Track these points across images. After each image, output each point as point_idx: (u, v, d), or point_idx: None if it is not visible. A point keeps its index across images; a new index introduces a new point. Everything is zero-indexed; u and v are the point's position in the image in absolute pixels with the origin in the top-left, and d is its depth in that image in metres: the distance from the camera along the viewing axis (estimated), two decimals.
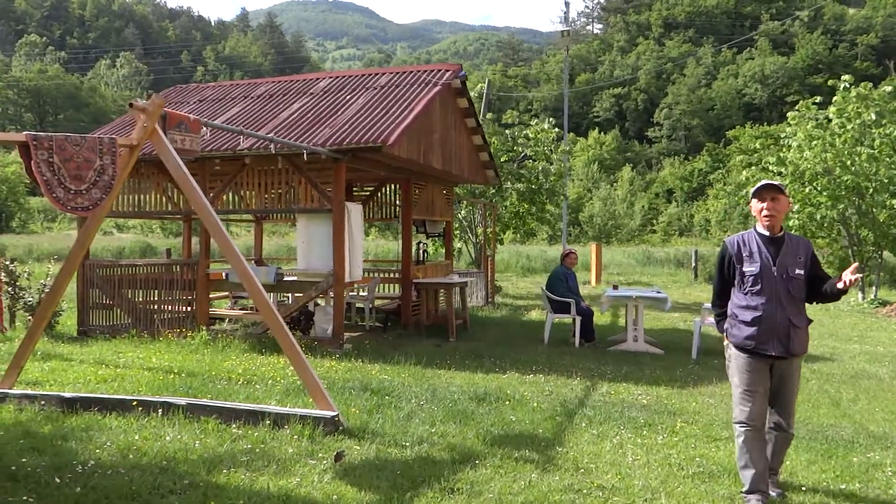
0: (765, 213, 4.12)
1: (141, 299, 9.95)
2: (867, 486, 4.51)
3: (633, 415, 6.05)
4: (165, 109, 5.89)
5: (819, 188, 15.59)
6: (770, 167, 17.02)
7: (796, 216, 16.06)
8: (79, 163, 5.37)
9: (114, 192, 5.65)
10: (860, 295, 16.71)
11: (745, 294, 4.13)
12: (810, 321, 4.23)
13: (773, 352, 4.05)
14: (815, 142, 15.70)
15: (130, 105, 5.77)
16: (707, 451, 5.14)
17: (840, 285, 3.99)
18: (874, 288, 16.81)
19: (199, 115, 10.62)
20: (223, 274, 10.36)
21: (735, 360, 4.21)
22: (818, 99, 17.58)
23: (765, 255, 4.09)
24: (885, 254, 16.76)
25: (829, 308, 15.73)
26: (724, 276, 4.30)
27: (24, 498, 3.80)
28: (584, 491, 4.29)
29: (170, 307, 9.88)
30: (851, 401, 6.91)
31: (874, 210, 15.32)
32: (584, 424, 5.75)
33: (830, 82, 17.00)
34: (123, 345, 8.94)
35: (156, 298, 9.95)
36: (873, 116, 15.28)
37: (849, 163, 15.09)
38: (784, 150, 16.98)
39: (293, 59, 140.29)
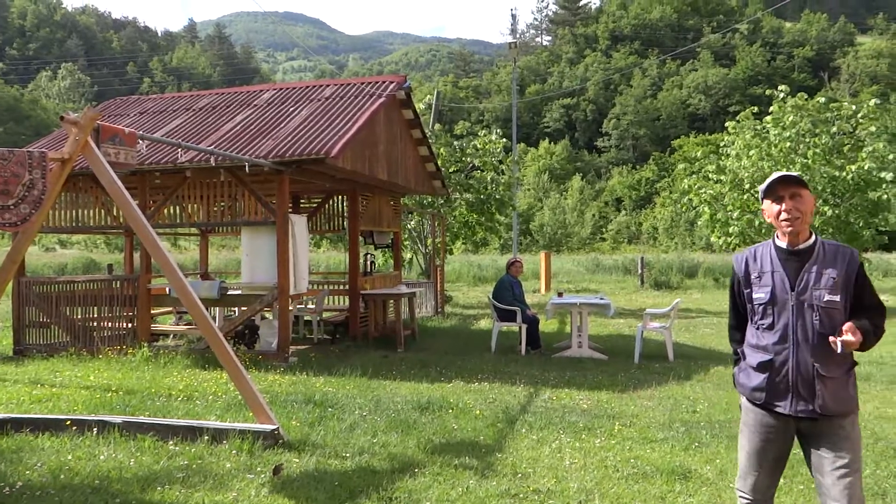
0: (784, 217, 2.96)
1: (80, 316, 9.70)
2: (791, 481, 4.68)
3: (573, 419, 6.16)
4: (99, 122, 5.81)
5: (756, 195, 16.10)
6: (710, 175, 17.52)
7: (736, 223, 16.55)
8: (6, 177, 5.25)
9: (44, 207, 5.54)
10: None
11: (757, 329, 3.05)
12: (853, 366, 3.01)
13: (789, 409, 2.93)
14: (752, 150, 16.23)
15: (62, 118, 5.67)
16: (642, 452, 5.27)
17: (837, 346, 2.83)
18: None
19: (140, 127, 10.46)
20: (166, 289, 10.21)
21: (744, 415, 3.15)
22: (756, 109, 18.19)
23: (779, 276, 2.97)
24: None
25: None
26: (737, 303, 3.22)
27: None
28: (521, 495, 4.36)
29: (110, 324, 9.67)
30: None
31: None
32: (524, 430, 5.83)
33: (768, 92, 17.62)
34: (61, 363, 8.70)
35: (96, 315, 9.71)
36: (808, 126, 15.89)
37: (784, 170, 15.63)
38: (723, 158, 17.50)
39: (243, 70, 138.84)
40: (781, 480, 4.60)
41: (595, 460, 5.06)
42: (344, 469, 4.78)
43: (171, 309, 11.84)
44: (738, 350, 3.24)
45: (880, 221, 16.09)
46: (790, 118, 15.92)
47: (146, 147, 8.89)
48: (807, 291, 2.91)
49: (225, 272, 19.16)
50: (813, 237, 3.01)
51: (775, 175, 3.02)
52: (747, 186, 16.11)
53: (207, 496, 4.19)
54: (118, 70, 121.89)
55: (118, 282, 9.72)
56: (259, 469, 4.70)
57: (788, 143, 15.78)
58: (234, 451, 4.99)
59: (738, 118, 17.78)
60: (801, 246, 2.99)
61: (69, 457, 4.86)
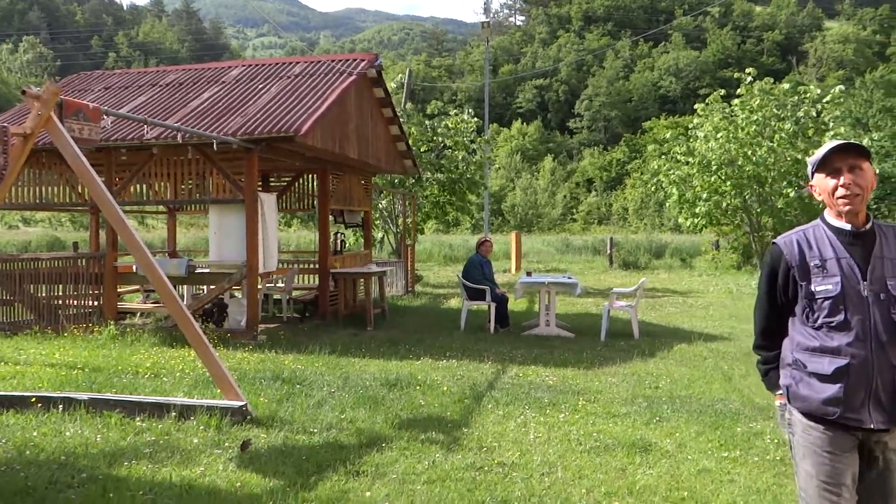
0: (841, 193, 2.52)
1: (45, 294, 9.58)
2: (747, 453, 4.85)
3: (539, 395, 6.28)
4: (62, 97, 5.71)
5: (723, 177, 16.37)
6: (679, 157, 17.74)
7: (704, 203, 16.81)
8: None
9: (6, 182, 5.46)
10: None
11: (819, 329, 2.51)
12: None
13: (869, 422, 2.44)
14: (720, 133, 16.46)
15: (23, 92, 5.57)
16: (605, 426, 5.41)
17: None
18: None
19: (104, 103, 10.28)
20: (133, 267, 10.12)
21: (803, 436, 2.58)
22: (724, 92, 18.41)
23: (847, 264, 2.49)
24: None
25: (732, 290, 16.57)
26: (778, 302, 2.66)
27: None
28: (486, 468, 4.46)
29: (76, 302, 9.56)
30: (742, 376, 7.35)
31: (773, 198, 16.21)
32: (490, 406, 5.93)
33: (736, 75, 17.85)
34: (25, 342, 8.60)
35: (61, 293, 9.59)
36: (775, 110, 16.15)
37: (750, 153, 15.90)
38: (692, 140, 17.73)
39: (212, 46, 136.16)
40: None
41: (559, 434, 5.18)
42: (311, 444, 4.83)
43: (138, 287, 11.75)
44: (768, 358, 2.77)
45: None
46: (757, 102, 16.16)
47: (111, 123, 8.75)
48: (882, 281, 2.45)
49: (193, 250, 18.97)
50: (869, 219, 2.56)
51: (832, 144, 2.54)
52: (715, 168, 16.35)
53: (175, 471, 4.21)
54: (82, 44, 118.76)
55: (84, 259, 9.60)
56: (227, 445, 4.73)
57: (755, 127, 16.03)
58: (201, 428, 5.02)
59: (706, 101, 17.98)
60: (864, 228, 2.53)
61: (34, 433, 4.84)
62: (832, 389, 2.46)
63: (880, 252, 2.49)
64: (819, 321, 2.50)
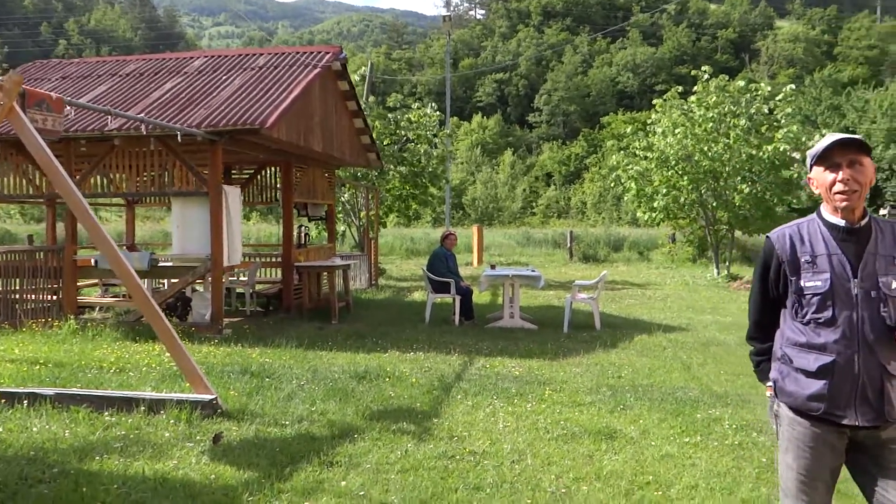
0: (838, 188, 2.48)
1: (0, 289, 9.35)
2: (707, 438, 5.04)
3: (506, 385, 6.41)
4: (24, 87, 5.60)
5: (681, 172, 16.74)
6: (638, 152, 18.07)
7: (662, 198, 17.17)
8: None
9: None
10: (715, 270, 18.14)
11: (806, 324, 2.51)
12: None
13: (855, 419, 2.45)
14: (678, 129, 16.82)
15: None
16: (571, 415, 5.56)
17: None
18: (727, 264, 18.29)
19: (63, 93, 10.04)
20: (92, 260, 9.94)
21: (788, 429, 2.60)
22: (681, 88, 18.79)
23: (837, 260, 2.47)
24: (737, 233, 18.23)
25: (688, 282, 17.00)
26: (769, 294, 2.67)
27: None
28: (457, 457, 4.56)
29: (33, 296, 9.36)
30: (700, 365, 7.60)
31: (728, 193, 16.65)
32: (459, 397, 6.04)
33: (693, 72, 18.24)
34: None
35: (17, 287, 9.37)
36: (731, 107, 16.57)
37: (706, 149, 16.29)
38: (650, 135, 18.07)
39: (167, 35, 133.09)
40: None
41: (527, 423, 5.31)
42: (284, 436, 4.87)
43: (96, 281, 11.54)
44: (761, 350, 2.78)
45: (793, 198, 17.00)
46: (713, 98, 16.56)
47: (74, 113, 8.58)
48: (873, 278, 2.43)
49: (151, 244, 18.66)
50: (866, 215, 2.52)
51: (832, 137, 2.49)
52: (672, 163, 16.71)
53: (147, 464, 4.21)
54: (31, 31, 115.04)
55: (41, 253, 9.40)
56: (199, 438, 4.74)
57: (711, 123, 16.42)
58: (172, 421, 5.01)
59: (664, 97, 18.34)
60: (858, 224, 2.49)
61: (0, 429, 4.77)
62: (817, 386, 2.46)
63: (874, 248, 2.46)
64: (807, 317, 2.49)
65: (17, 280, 9.30)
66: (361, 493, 3.93)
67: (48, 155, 5.50)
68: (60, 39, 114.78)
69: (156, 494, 3.80)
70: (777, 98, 16.84)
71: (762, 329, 2.76)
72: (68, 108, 6.40)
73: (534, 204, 55.79)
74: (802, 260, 2.51)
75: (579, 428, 5.19)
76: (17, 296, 9.35)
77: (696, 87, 17.42)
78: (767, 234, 2.67)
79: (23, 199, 11.72)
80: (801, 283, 2.50)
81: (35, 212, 38.40)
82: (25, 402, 5.24)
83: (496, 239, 30.77)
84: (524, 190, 55.59)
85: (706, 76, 17.32)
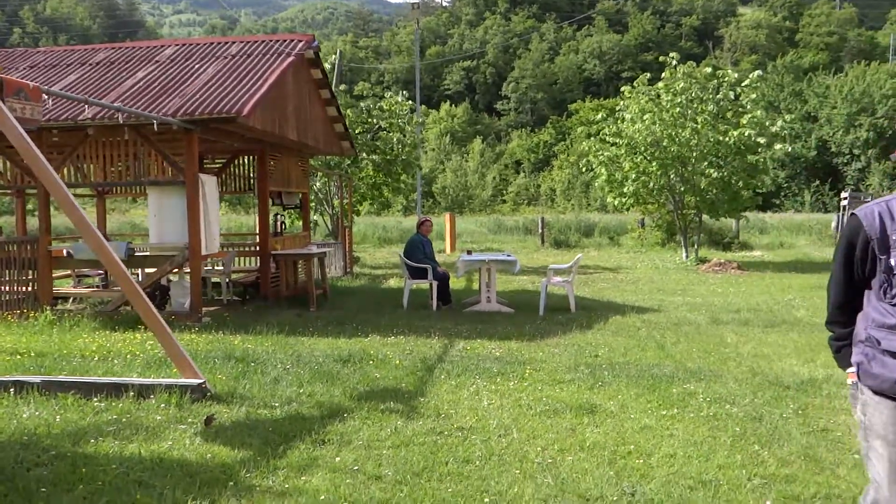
0: None
1: None
2: (683, 411, 5.26)
3: (488, 366, 6.57)
4: (2, 76, 5.57)
5: (650, 158, 17.04)
6: (607, 138, 18.33)
7: (632, 183, 17.47)
8: None
9: None
10: (684, 254, 18.54)
11: (895, 305, 2.39)
12: None
13: None
14: (646, 115, 17.11)
15: None
16: (552, 392, 5.74)
17: None
18: (695, 247, 18.70)
19: (34, 81, 9.91)
20: (65, 251, 9.85)
21: (875, 415, 2.46)
22: (648, 75, 19.09)
23: None
24: (705, 217, 18.65)
25: (658, 265, 17.36)
26: (854, 275, 2.52)
27: None
28: (446, 433, 4.70)
29: (7, 288, 9.26)
30: (673, 343, 7.85)
31: (695, 177, 17.01)
32: (443, 377, 6.18)
33: (661, 59, 18.54)
34: None
35: None
36: (698, 94, 16.89)
37: (674, 134, 16.61)
38: (619, 122, 18.34)
39: (126, 23, 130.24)
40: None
41: (510, 400, 5.47)
42: (274, 417, 4.96)
43: (69, 272, 11.44)
44: (842, 335, 2.64)
45: (758, 183, 17.43)
46: (681, 84, 16.86)
47: (50, 102, 8.50)
48: None
49: (119, 234, 18.45)
50: None
51: None
52: (642, 149, 17.00)
53: (143, 446, 4.28)
54: None
55: (14, 244, 9.30)
56: (190, 420, 4.81)
57: (679, 109, 16.74)
58: (162, 405, 5.07)
59: (633, 83, 18.61)
60: None
61: None
62: None
63: None
64: (895, 297, 2.36)
65: None
66: (356, 467, 4.05)
67: (30, 145, 5.48)
68: (15, 28, 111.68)
69: (154, 474, 3.88)
70: (743, 84, 17.21)
71: (844, 312, 2.61)
72: (45, 96, 6.36)
73: (504, 191, 56.08)
74: (893, 238, 2.35)
75: (561, 404, 5.37)
76: None
77: (663, 74, 17.71)
78: (853, 212, 2.51)
79: None
80: (892, 262, 2.34)
81: None
82: (12, 389, 5.26)
83: (468, 226, 30.96)
84: (494, 178, 55.83)
85: (674, 62, 17.61)
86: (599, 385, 5.97)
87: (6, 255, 9.17)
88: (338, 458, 4.18)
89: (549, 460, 4.24)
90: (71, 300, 10.30)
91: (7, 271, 9.16)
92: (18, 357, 6.66)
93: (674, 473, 4.06)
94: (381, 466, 4.08)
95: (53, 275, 11.00)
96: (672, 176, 17.24)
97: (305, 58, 11.20)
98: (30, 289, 9.21)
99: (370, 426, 4.80)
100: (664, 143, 16.70)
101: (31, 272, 9.19)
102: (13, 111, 5.58)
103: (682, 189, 17.41)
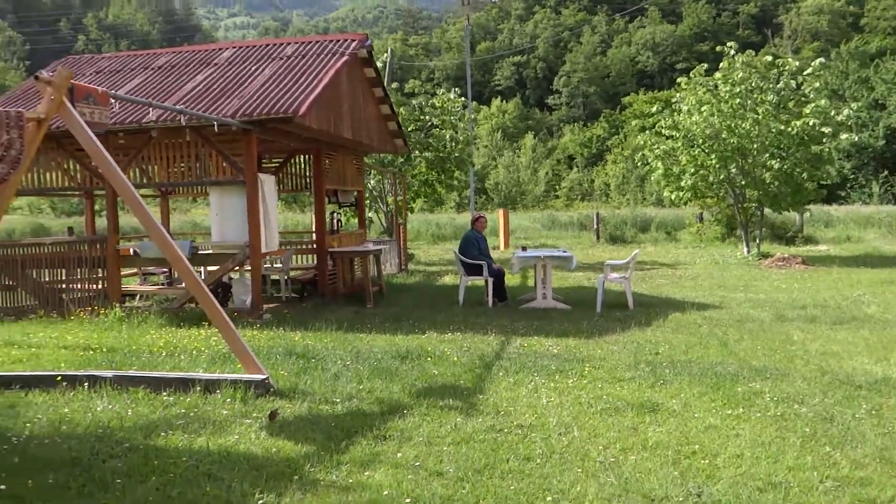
0: None
1: (47, 279, 9.64)
2: (749, 410, 5.12)
3: (546, 363, 6.52)
4: (73, 81, 5.78)
5: (708, 150, 16.64)
6: (663, 131, 17.97)
7: (690, 177, 17.09)
8: None
9: (22, 166, 5.54)
10: (745, 249, 18.05)
11: None
12: None
13: None
14: (704, 106, 16.70)
15: (36, 77, 5.64)
16: (613, 390, 5.66)
17: None
18: (757, 242, 18.19)
19: (99, 87, 10.27)
20: (131, 250, 10.19)
21: None
22: (705, 66, 18.62)
23: None
24: (767, 210, 18.11)
25: (718, 261, 16.95)
26: None
27: None
28: (505, 430, 4.69)
29: (79, 286, 9.63)
30: (737, 341, 7.65)
31: (756, 170, 16.53)
32: (501, 374, 6.17)
33: (718, 48, 18.05)
34: (32, 326, 8.69)
35: (63, 277, 9.65)
36: (758, 83, 16.40)
37: (734, 126, 16.17)
38: (675, 114, 17.95)
39: (183, 27, 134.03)
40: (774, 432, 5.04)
41: (570, 398, 5.42)
42: (335, 413, 5.03)
43: (135, 270, 11.81)
44: None
45: (822, 174, 16.83)
46: (739, 74, 16.40)
47: (117, 106, 8.80)
48: None
49: (181, 233, 18.96)
50: None
51: None
52: (700, 142, 16.61)
53: (211, 439, 4.40)
54: (50, 27, 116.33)
55: (85, 244, 9.66)
56: (255, 415, 4.92)
57: (738, 99, 16.28)
58: (227, 400, 5.20)
59: (690, 74, 18.18)
60: None
61: (66, 410, 4.99)
62: None
63: None
64: None
65: (63, 270, 9.57)
66: (417, 463, 4.08)
67: (99, 147, 5.68)
68: (80, 35, 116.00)
69: (222, 466, 3.98)
70: (805, 73, 16.64)
71: None
72: (113, 101, 6.57)
73: (557, 187, 55.63)
74: None
75: (622, 402, 5.29)
76: (64, 285, 9.62)
77: (721, 64, 17.26)
78: None
79: (62, 193, 12.01)
80: None
81: (65, 206, 39.09)
82: (86, 384, 5.46)
83: (521, 222, 30.82)
84: (547, 173, 55.42)
85: (732, 52, 17.14)
86: (661, 383, 5.86)
87: (77, 254, 9.53)
88: (399, 454, 4.21)
89: (612, 459, 4.18)
90: (138, 297, 10.64)
91: (78, 270, 9.53)
92: (91, 352, 6.92)
93: (741, 474, 3.96)
94: (442, 463, 4.10)
95: (123, 273, 11.43)
96: (732, 169, 16.79)
97: (359, 57, 11.31)
98: (100, 287, 9.54)
99: (430, 423, 4.82)
100: (723, 135, 16.27)
101: (100, 270, 9.52)
102: (83, 115, 5.79)
103: (743, 182, 16.94)
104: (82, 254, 9.51)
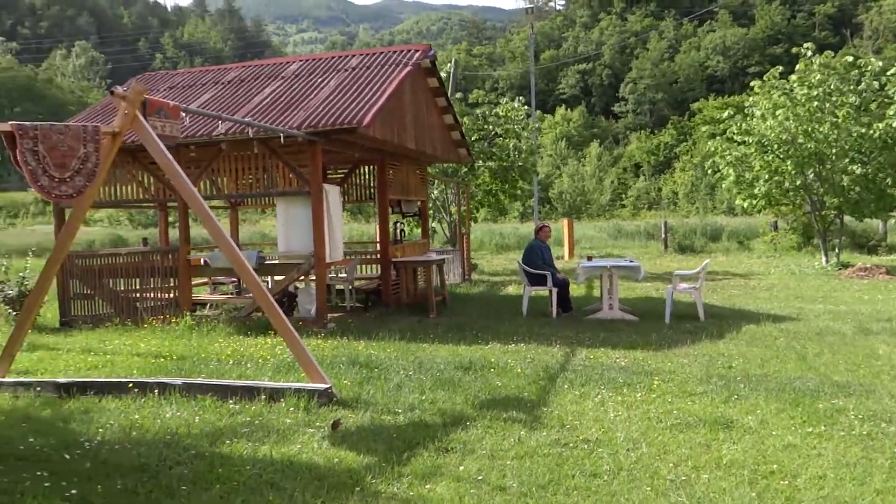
0: None
1: (122, 288, 9.98)
2: (832, 428, 4.83)
3: (613, 376, 6.34)
4: (145, 96, 5.96)
5: (783, 156, 16.02)
6: (735, 137, 17.41)
7: (764, 184, 16.49)
8: (63, 151, 5.45)
9: (97, 179, 5.74)
10: (824, 258, 17.27)
11: None
12: None
13: None
14: (779, 110, 16.09)
15: (111, 92, 5.84)
16: (683, 405, 5.44)
17: None
18: (836, 251, 17.37)
19: (173, 101, 10.61)
20: (202, 260, 10.46)
21: None
22: (780, 69, 17.96)
23: None
24: (847, 218, 17.29)
25: (794, 271, 16.27)
26: None
27: (38, 473, 3.94)
28: (571, 444, 4.55)
29: (151, 295, 9.93)
30: (816, 355, 7.27)
31: (835, 175, 15.80)
32: (566, 386, 6.01)
33: (794, 50, 17.38)
34: (108, 333, 9.00)
35: (137, 287, 9.97)
36: (837, 85, 15.70)
37: (811, 130, 15.52)
38: (748, 119, 17.36)
39: (254, 43, 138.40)
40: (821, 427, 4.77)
41: (638, 412, 5.24)
42: (397, 423, 4.99)
43: (206, 280, 12.12)
44: None
45: None
46: (817, 77, 15.73)
47: (188, 120, 9.07)
48: None
49: (250, 244, 19.42)
50: None
51: None
52: (774, 147, 16.00)
53: (274, 448, 4.42)
54: (130, 46, 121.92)
55: (158, 254, 9.97)
56: (318, 424, 4.92)
57: (816, 102, 15.62)
58: (291, 409, 5.22)
59: (764, 78, 17.56)
60: None
61: (136, 416, 5.11)
62: None
63: None
64: None
65: (137, 280, 9.89)
66: (479, 477, 3.99)
67: (170, 160, 5.83)
68: (157, 53, 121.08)
69: (285, 476, 3.98)
70: (888, 73, 15.84)
71: None
72: (183, 114, 6.75)
73: (623, 195, 54.68)
74: None
75: (693, 417, 5.08)
76: (138, 294, 9.93)
77: (797, 66, 16.60)
78: None
79: (137, 205, 12.45)
80: None
81: (142, 218, 40.72)
82: (156, 390, 5.59)
83: (586, 232, 30.37)
84: (612, 182, 54.55)
85: (808, 53, 16.47)
86: (735, 398, 5.60)
87: (150, 264, 9.84)
88: (461, 467, 4.13)
89: (683, 478, 4.00)
90: (208, 306, 10.91)
91: (152, 280, 9.83)
92: (162, 360, 7.10)
93: (824, 497, 3.73)
94: (505, 477, 4.00)
95: (194, 282, 11.75)
96: (809, 174, 16.09)
97: (422, 67, 11.35)
98: (171, 296, 9.81)
99: (493, 435, 4.73)
100: (799, 140, 15.63)
101: (172, 280, 9.80)
102: (154, 129, 5.96)
103: (821, 188, 16.22)
104: (155, 264, 9.80)
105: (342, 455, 4.34)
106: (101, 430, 4.80)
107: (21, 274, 9.94)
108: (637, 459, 4.30)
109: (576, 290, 12.54)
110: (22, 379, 6.11)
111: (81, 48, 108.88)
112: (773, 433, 4.75)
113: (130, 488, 3.80)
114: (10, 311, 9.52)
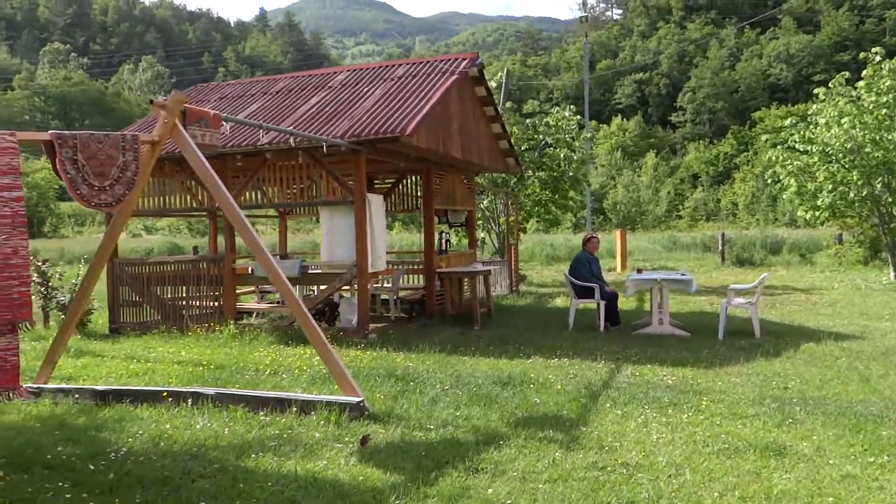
0: None
1: (169, 296, 10.11)
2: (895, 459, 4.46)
3: (658, 395, 6.03)
4: (185, 105, 5.98)
5: (848, 166, 15.32)
6: (797, 146, 16.75)
7: (828, 195, 15.80)
8: (102, 160, 5.48)
9: (137, 187, 5.77)
10: (892, 273, 16.42)
11: None
12: None
13: None
14: (844, 118, 15.41)
15: (151, 102, 5.88)
16: (733, 428, 5.12)
17: None
18: None
19: (221, 111, 10.73)
20: (249, 269, 10.52)
21: None
22: (847, 75, 17.22)
23: None
24: None
25: (860, 287, 15.49)
26: None
27: (60, 484, 3.92)
28: (608, 468, 4.30)
29: (198, 303, 10.03)
30: (881, 376, 6.81)
31: None
32: (608, 405, 5.75)
33: (862, 55, 16.66)
34: (154, 340, 9.11)
35: (184, 294, 10.09)
36: None
37: (878, 139, 14.80)
38: (812, 127, 16.69)
39: (313, 56, 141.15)
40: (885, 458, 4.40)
41: (683, 435, 4.95)
42: (429, 440, 4.82)
43: (253, 288, 12.21)
44: None
45: None
46: (887, 83, 14.99)
47: (229, 130, 9.13)
48: None
49: (301, 253, 19.58)
50: None
51: None
52: (839, 157, 15.30)
53: (300, 464, 4.30)
54: (194, 60, 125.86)
55: (204, 262, 10.07)
56: (347, 439, 4.80)
57: (885, 110, 14.88)
58: (321, 422, 5.11)
59: (829, 84, 16.86)
60: None
61: (167, 426, 5.08)
62: None
63: None
64: None
65: (184, 287, 10.00)
66: (508, 501, 3.79)
67: (208, 169, 5.82)
68: (220, 67, 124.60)
69: (307, 493, 3.86)
70: None
71: None
72: (225, 124, 6.77)
73: (679, 207, 53.47)
74: None
75: (742, 442, 4.76)
76: (184, 302, 10.05)
77: (864, 72, 15.88)
78: None
79: (187, 213, 12.65)
80: None
81: (200, 226, 41.73)
82: (189, 400, 5.56)
83: (640, 244, 29.70)
84: (669, 192, 53.41)
85: (877, 58, 15.73)
86: (789, 422, 5.24)
87: (197, 272, 9.94)
88: (490, 490, 3.94)
89: None
90: (254, 315, 10.98)
91: (198, 287, 9.93)
92: (200, 368, 7.11)
93: None
94: (535, 502, 3.79)
95: (241, 290, 11.85)
96: (877, 185, 15.32)
97: (469, 76, 11.23)
98: (217, 304, 9.89)
99: (526, 456, 4.51)
100: (867, 149, 14.90)
101: (218, 288, 9.88)
102: (194, 138, 5.97)
103: (890, 199, 15.42)
104: (202, 272, 9.90)
105: (368, 472, 4.19)
106: (130, 440, 4.78)
107: (73, 281, 10.17)
108: (679, 487, 4.02)
109: (625, 303, 12.18)
110: (62, 385, 6.17)
111: (148, 63, 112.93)
112: (831, 462, 4.40)
113: (150, 502, 3.73)
114: (63, 317, 9.74)
